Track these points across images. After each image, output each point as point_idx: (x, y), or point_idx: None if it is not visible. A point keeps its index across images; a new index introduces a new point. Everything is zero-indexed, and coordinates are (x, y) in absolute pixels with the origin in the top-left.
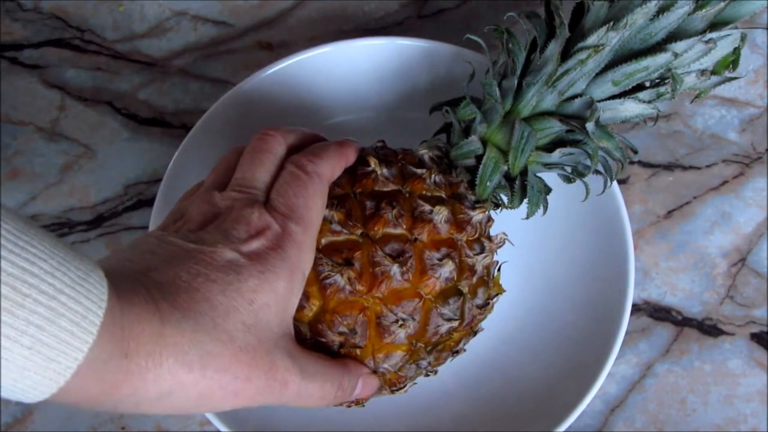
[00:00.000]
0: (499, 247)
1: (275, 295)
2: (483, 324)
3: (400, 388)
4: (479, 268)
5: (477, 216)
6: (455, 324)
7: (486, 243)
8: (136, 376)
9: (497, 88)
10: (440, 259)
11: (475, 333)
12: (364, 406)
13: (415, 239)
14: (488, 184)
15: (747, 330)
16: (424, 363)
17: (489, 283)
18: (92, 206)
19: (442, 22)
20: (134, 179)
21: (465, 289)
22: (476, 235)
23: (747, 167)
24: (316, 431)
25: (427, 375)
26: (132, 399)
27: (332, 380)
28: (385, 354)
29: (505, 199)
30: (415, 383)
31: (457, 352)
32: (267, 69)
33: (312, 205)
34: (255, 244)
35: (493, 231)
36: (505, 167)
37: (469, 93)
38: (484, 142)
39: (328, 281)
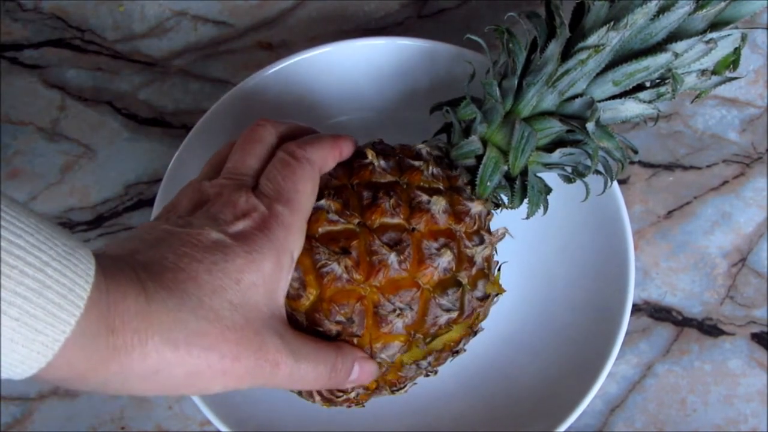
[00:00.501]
0: (499, 240)
1: (262, 275)
2: (483, 324)
3: (400, 388)
4: (479, 259)
5: (476, 207)
6: (454, 315)
7: (486, 236)
8: (122, 353)
9: (497, 88)
10: (438, 249)
11: (475, 333)
12: (364, 406)
13: (413, 229)
14: (488, 184)
15: (747, 330)
16: (424, 363)
17: (489, 275)
18: (92, 206)
19: (442, 22)
20: (134, 179)
21: (464, 281)
22: (475, 228)
23: (747, 167)
24: (316, 431)
25: (427, 375)
26: (119, 377)
27: (325, 362)
28: (382, 344)
29: (505, 199)
30: (415, 383)
31: (458, 352)
32: (267, 69)
33: (301, 188)
34: (241, 225)
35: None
36: (506, 167)
37: (470, 93)
38: (485, 142)
39: (325, 270)
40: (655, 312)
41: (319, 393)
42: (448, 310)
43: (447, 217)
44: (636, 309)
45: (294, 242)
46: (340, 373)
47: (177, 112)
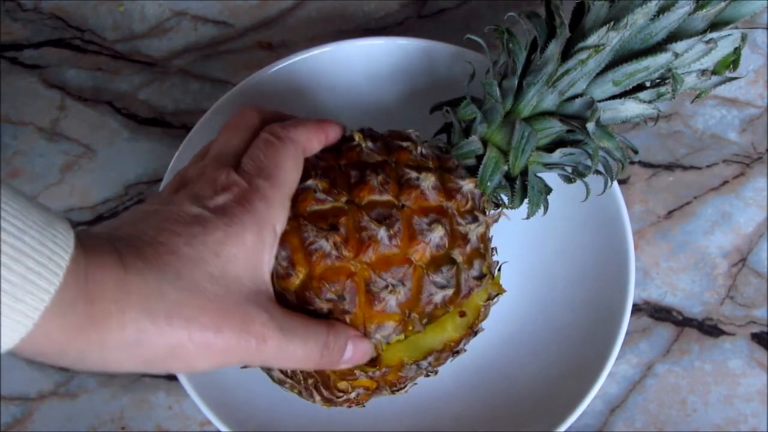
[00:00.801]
0: (495, 221)
1: (244, 248)
2: (483, 324)
3: (400, 389)
4: (473, 237)
5: (467, 185)
6: (449, 293)
7: (480, 216)
8: (100, 323)
9: (498, 88)
10: (429, 225)
11: (475, 333)
12: (364, 406)
13: (403, 206)
14: (489, 184)
15: (747, 330)
16: (424, 363)
17: (486, 255)
18: (92, 206)
19: (442, 22)
20: (134, 179)
21: (459, 258)
22: (468, 206)
23: (747, 167)
24: (316, 431)
25: (428, 375)
26: (97, 348)
27: (316, 338)
28: (377, 324)
29: (505, 199)
30: (415, 383)
31: (458, 352)
32: (267, 69)
33: (282, 164)
34: (221, 200)
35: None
36: (506, 167)
37: (470, 93)
38: (485, 142)
39: (313, 247)
40: (656, 312)
41: (319, 393)
42: (443, 287)
43: (437, 194)
44: (636, 309)
45: (276, 216)
46: (332, 352)
47: (177, 112)
